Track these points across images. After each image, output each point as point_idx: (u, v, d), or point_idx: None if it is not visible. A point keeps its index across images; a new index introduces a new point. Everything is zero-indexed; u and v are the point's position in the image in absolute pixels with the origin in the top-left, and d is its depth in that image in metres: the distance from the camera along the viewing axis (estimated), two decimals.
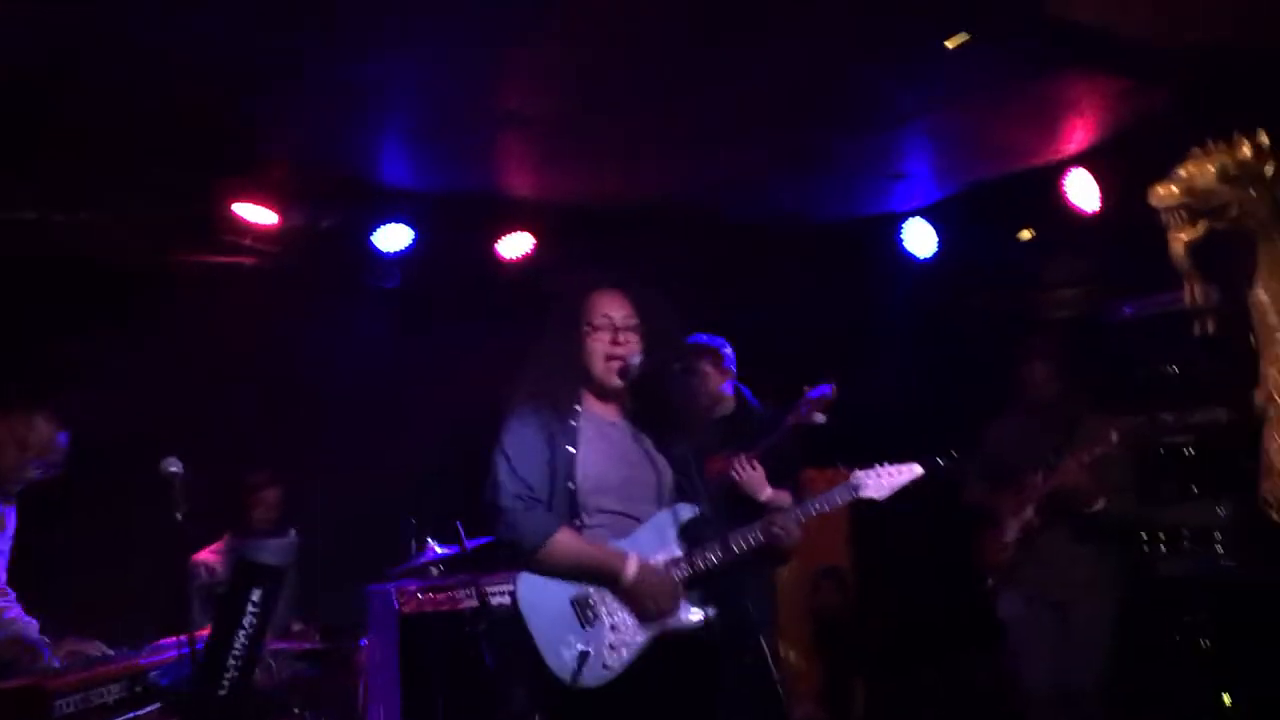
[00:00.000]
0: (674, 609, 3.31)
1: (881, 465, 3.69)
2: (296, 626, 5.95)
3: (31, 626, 3.91)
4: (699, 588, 3.41)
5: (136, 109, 5.17)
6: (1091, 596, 5.02)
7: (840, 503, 3.64)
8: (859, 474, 3.67)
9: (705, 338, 5.31)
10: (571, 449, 3.37)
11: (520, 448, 3.36)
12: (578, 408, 3.45)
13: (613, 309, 3.47)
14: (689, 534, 3.42)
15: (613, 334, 3.44)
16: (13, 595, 4.01)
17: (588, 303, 3.49)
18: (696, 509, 3.42)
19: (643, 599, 3.29)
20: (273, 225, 6.30)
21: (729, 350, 5.38)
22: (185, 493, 3.26)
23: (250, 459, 6.29)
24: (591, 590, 3.31)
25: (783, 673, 7.63)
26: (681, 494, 3.48)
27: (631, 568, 3.29)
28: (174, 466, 3.31)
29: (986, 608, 5.33)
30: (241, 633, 3.58)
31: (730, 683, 3.62)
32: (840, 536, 7.99)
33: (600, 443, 3.43)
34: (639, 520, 3.41)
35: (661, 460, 3.48)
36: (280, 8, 4.32)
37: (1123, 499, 5.02)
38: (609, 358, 3.44)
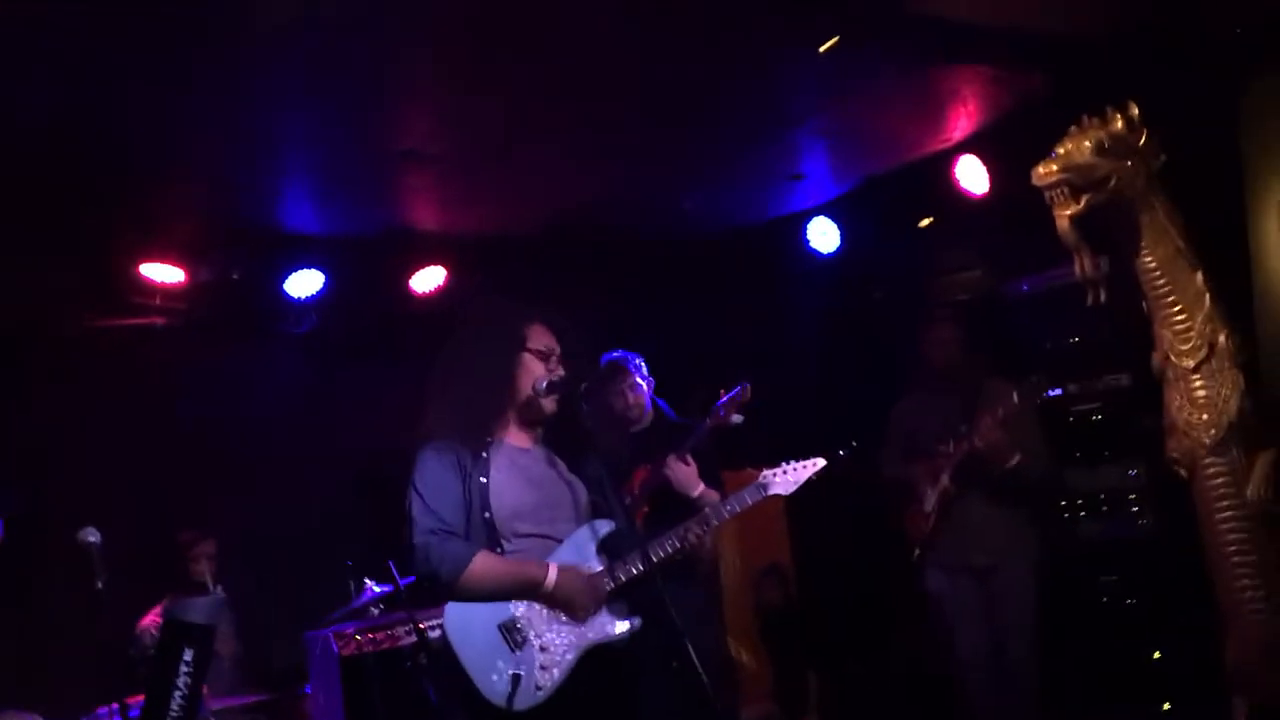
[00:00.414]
0: (600, 604, 3.39)
1: (787, 462, 3.80)
2: None
3: None
4: (623, 600, 3.48)
5: (35, 174, 5.14)
6: (1012, 561, 5.14)
7: (751, 502, 3.77)
8: (766, 473, 3.80)
9: (620, 353, 5.38)
10: (484, 479, 3.42)
11: (432, 482, 3.40)
12: (489, 439, 3.49)
13: (550, 340, 3.57)
14: (608, 548, 3.50)
15: (550, 362, 3.53)
16: None
17: (526, 331, 3.56)
18: (613, 524, 3.50)
19: (568, 600, 3.36)
20: (180, 283, 6.27)
21: (643, 363, 5.46)
22: (105, 561, 3.24)
23: (180, 517, 6.25)
24: (518, 614, 3.36)
25: (735, 674, 7.79)
26: (598, 511, 3.55)
27: (551, 573, 3.35)
28: (92, 536, 3.30)
29: (914, 582, 5.43)
30: (177, 694, 3.58)
31: (660, 692, 3.69)
32: (779, 534, 8.10)
33: (512, 469, 3.48)
34: (559, 541, 3.47)
35: (576, 481, 3.55)
36: (165, 65, 4.32)
37: (1036, 458, 5.13)
38: (547, 384, 3.51)
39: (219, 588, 5.45)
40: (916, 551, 5.36)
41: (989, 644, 5.16)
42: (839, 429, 5.94)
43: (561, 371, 3.53)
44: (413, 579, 4.96)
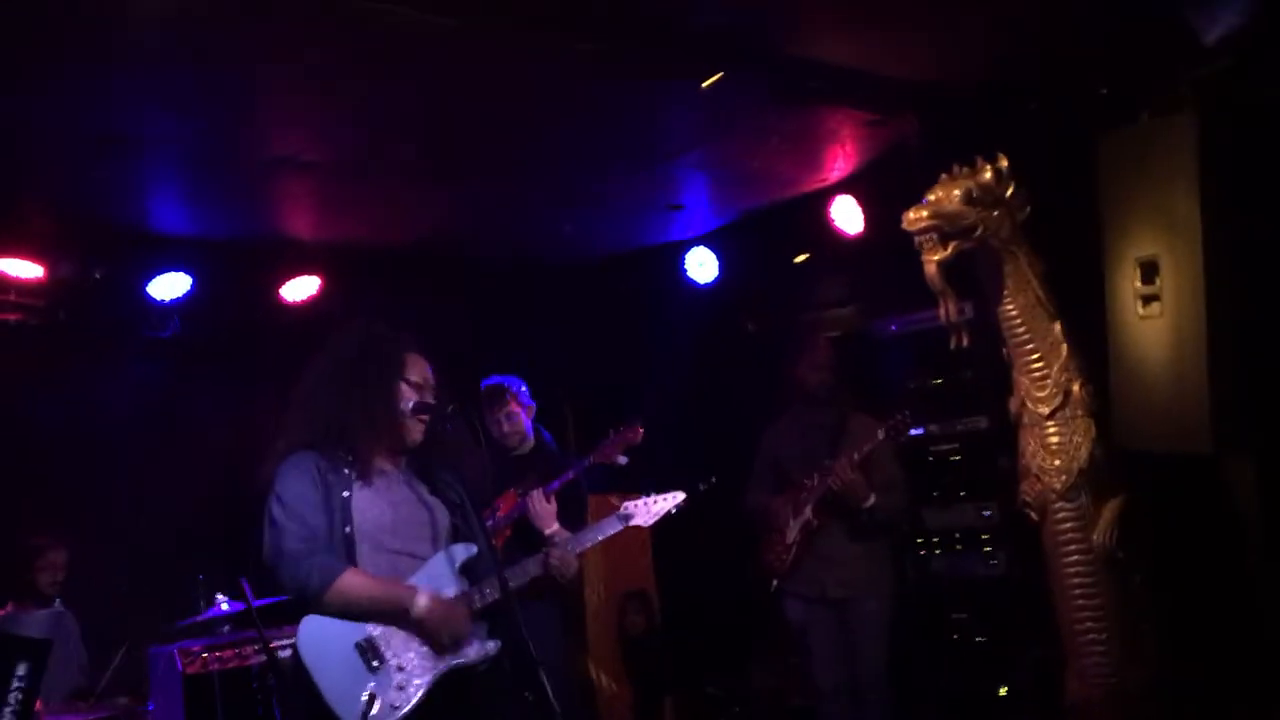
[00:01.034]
0: (466, 635, 3.33)
1: (648, 494, 3.82)
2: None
3: None
4: (482, 623, 3.44)
5: None
6: (867, 594, 5.23)
7: (611, 532, 3.78)
8: (628, 504, 3.81)
9: (500, 378, 5.35)
10: (346, 494, 3.36)
11: (297, 493, 3.33)
12: (352, 457, 3.44)
13: (424, 371, 3.53)
14: (467, 572, 3.47)
15: (423, 394, 3.49)
16: None
17: (406, 360, 3.51)
18: (473, 548, 3.47)
19: (435, 629, 3.30)
20: (39, 279, 6.06)
21: (525, 388, 5.43)
22: None
23: (27, 523, 6.01)
24: (375, 633, 3.30)
25: (594, 697, 7.77)
26: (458, 535, 3.52)
27: (421, 600, 3.29)
28: None
29: (774, 612, 5.50)
30: (7, 710, 3.44)
31: (514, 718, 3.66)
32: (644, 559, 8.12)
33: (373, 488, 3.43)
34: (417, 558, 3.43)
35: (436, 503, 3.51)
36: (29, 61, 4.18)
37: (892, 494, 5.25)
38: (418, 415, 3.46)
39: (58, 601, 5.25)
40: (775, 583, 5.42)
41: (844, 674, 5.24)
42: (707, 458, 6.00)
43: (430, 399, 3.49)
44: (266, 600, 4.86)
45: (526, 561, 3.55)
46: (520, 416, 5.35)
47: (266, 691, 4.46)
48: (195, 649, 4.58)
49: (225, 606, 5.14)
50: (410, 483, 3.51)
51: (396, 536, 3.40)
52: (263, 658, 4.50)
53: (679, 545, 7.11)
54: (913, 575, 5.65)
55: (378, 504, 3.40)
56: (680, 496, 3.91)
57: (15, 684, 3.44)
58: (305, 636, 3.28)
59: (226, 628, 5.16)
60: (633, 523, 3.81)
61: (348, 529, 3.34)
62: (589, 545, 3.72)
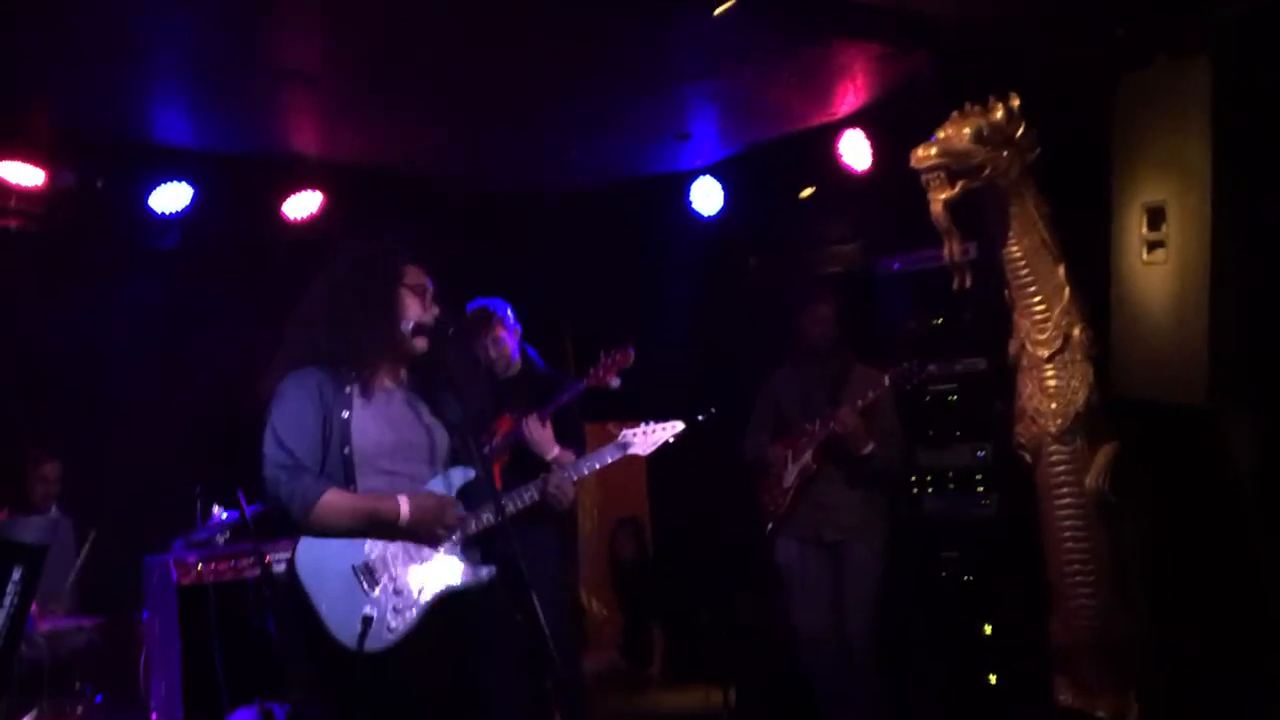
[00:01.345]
0: (456, 522, 3.36)
1: (647, 423, 3.82)
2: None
3: None
4: (477, 548, 3.47)
5: None
6: (861, 539, 5.26)
7: (610, 460, 3.78)
8: (626, 432, 3.81)
9: (485, 301, 5.33)
10: (346, 414, 3.36)
11: (289, 417, 3.32)
12: (354, 374, 3.44)
13: (424, 278, 3.49)
14: (465, 497, 3.48)
15: (424, 299, 3.46)
16: None
17: (405, 270, 3.47)
18: (471, 472, 3.47)
19: (426, 527, 3.33)
20: (39, 186, 6.02)
21: (510, 311, 5.42)
22: None
23: (24, 432, 6.04)
24: (373, 556, 3.32)
25: (584, 621, 7.87)
26: (457, 459, 3.53)
27: (404, 506, 3.31)
28: None
29: (767, 553, 5.53)
30: (1, 613, 3.47)
31: (505, 642, 3.69)
32: (639, 488, 8.19)
33: (374, 408, 3.41)
34: (415, 480, 3.43)
35: (437, 425, 3.50)
36: None
37: (890, 444, 5.28)
38: (419, 322, 3.43)
39: (54, 507, 5.29)
40: (770, 525, 5.46)
41: (831, 618, 5.28)
42: (705, 391, 5.99)
43: (435, 311, 3.47)
44: (260, 508, 4.89)
45: (524, 488, 3.57)
46: (506, 340, 5.34)
47: (261, 604, 4.50)
48: (190, 560, 4.62)
49: (223, 517, 5.18)
50: (412, 403, 3.50)
51: (396, 458, 3.40)
52: (258, 571, 4.53)
53: (673, 474, 7.15)
54: (905, 513, 5.67)
55: (378, 424, 3.39)
56: (678, 426, 3.90)
57: (10, 589, 3.47)
58: (302, 558, 3.29)
59: (222, 538, 5.20)
60: (631, 451, 3.81)
61: (346, 450, 3.33)
62: (587, 473, 3.73)
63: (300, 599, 3.27)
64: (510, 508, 3.47)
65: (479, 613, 3.49)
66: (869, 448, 5.18)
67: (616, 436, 3.83)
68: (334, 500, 3.29)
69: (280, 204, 6.77)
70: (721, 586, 6.80)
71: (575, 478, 3.68)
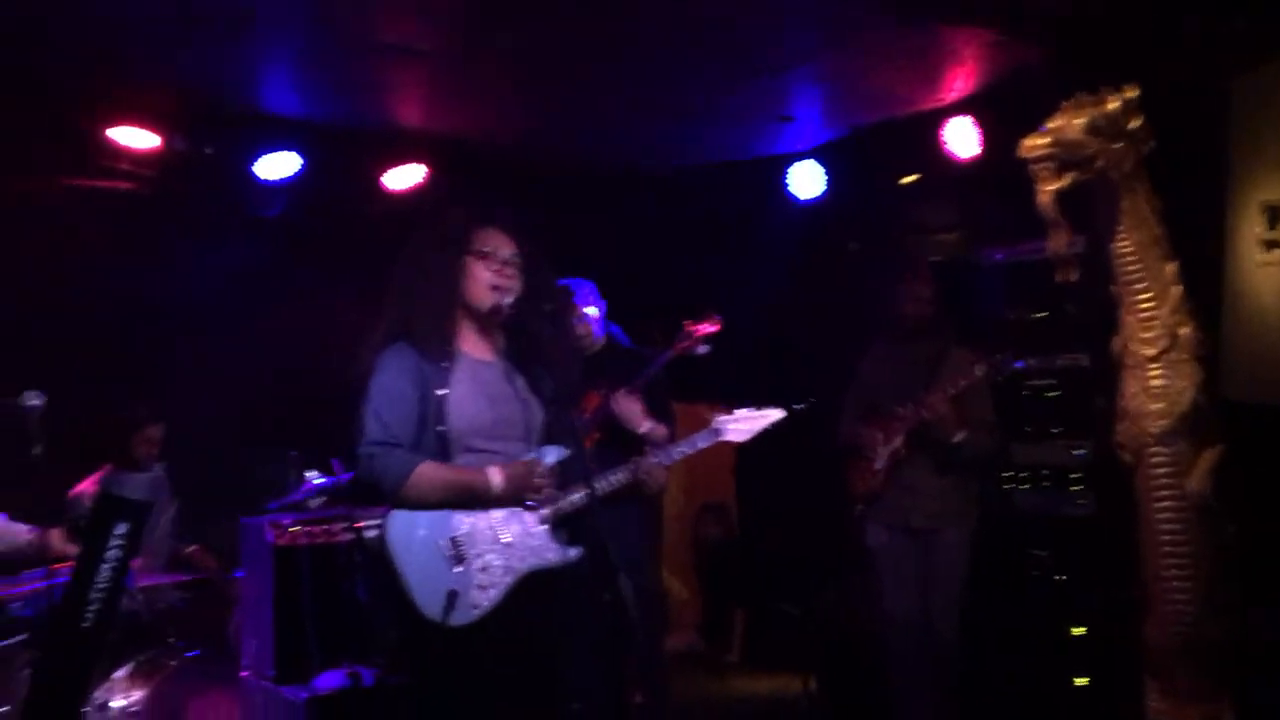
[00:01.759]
0: (547, 484, 3.38)
1: (744, 409, 3.76)
2: (191, 549, 5.94)
3: None
4: (566, 527, 3.47)
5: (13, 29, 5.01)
6: (950, 527, 5.20)
7: (703, 446, 3.73)
8: (722, 418, 3.75)
9: (566, 280, 5.34)
10: (441, 391, 3.37)
11: (387, 392, 3.36)
12: (449, 348, 3.45)
13: (499, 243, 3.47)
14: (560, 474, 3.48)
15: (498, 265, 3.44)
16: None
17: (475, 233, 3.47)
18: (565, 450, 3.48)
19: (521, 492, 3.36)
20: (153, 150, 6.15)
21: (593, 291, 5.43)
22: (44, 427, 3.19)
23: (129, 390, 6.18)
24: (461, 531, 3.35)
25: (665, 604, 7.87)
26: (551, 434, 3.53)
27: (496, 476, 3.34)
28: (34, 400, 3.24)
29: (852, 536, 5.48)
30: (105, 567, 3.56)
31: (589, 622, 3.69)
32: (726, 471, 8.17)
33: (472, 383, 3.43)
34: (509, 458, 3.44)
35: (534, 400, 3.51)
36: None
37: (982, 433, 5.19)
38: (491, 287, 3.43)
39: (158, 466, 5.41)
40: (859, 507, 5.41)
41: (918, 605, 5.24)
42: (797, 375, 5.96)
43: (511, 276, 3.45)
44: (354, 475, 4.96)
45: (616, 470, 3.56)
46: (588, 319, 5.36)
47: (352, 569, 4.57)
48: (285, 522, 4.70)
49: (317, 483, 5.26)
50: (509, 376, 3.50)
51: (491, 436, 3.42)
52: (350, 536, 4.60)
53: (761, 459, 7.11)
54: (995, 508, 5.58)
55: (475, 401, 3.41)
56: (777, 414, 3.82)
57: (114, 542, 3.55)
58: (392, 529, 3.34)
59: (315, 504, 5.29)
60: (725, 438, 3.75)
61: (440, 427, 3.36)
62: (679, 457, 3.70)
63: (389, 569, 3.31)
64: (601, 489, 3.46)
65: (563, 592, 3.51)
66: (959, 436, 5.10)
67: (710, 420, 3.78)
68: (426, 473, 3.32)
69: (382, 175, 6.84)
70: (806, 574, 6.76)
71: (669, 462, 3.65)
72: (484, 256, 3.43)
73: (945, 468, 5.20)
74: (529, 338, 3.50)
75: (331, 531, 4.76)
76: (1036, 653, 5.47)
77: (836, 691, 5.92)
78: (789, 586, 6.94)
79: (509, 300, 3.43)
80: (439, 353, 3.41)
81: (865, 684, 5.67)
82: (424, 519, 3.33)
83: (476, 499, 3.35)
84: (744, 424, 3.77)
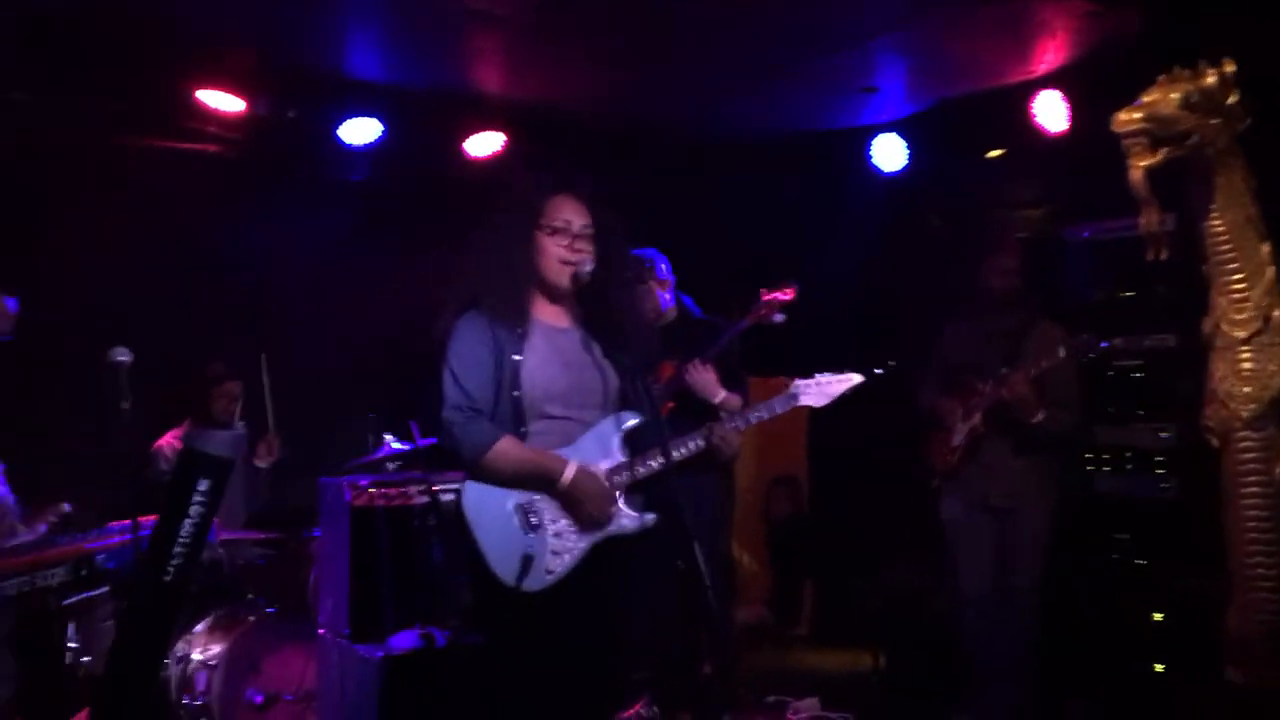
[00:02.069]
0: (607, 516, 3.38)
1: (821, 374, 3.70)
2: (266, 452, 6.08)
3: (8, 499, 3.94)
4: (640, 494, 3.47)
5: None
6: (1029, 506, 5.13)
7: (780, 411, 3.66)
8: (799, 382, 3.68)
9: (639, 250, 5.34)
10: (518, 357, 3.38)
11: (465, 359, 3.38)
12: (524, 315, 3.45)
13: (572, 214, 3.44)
14: (632, 441, 3.48)
15: (570, 239, 3.43)
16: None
17: (547, 204, 3.45)
18: (640, 417, 3.48)
19: (579, 503, 3.35)
20: (239, 113, 6.23)
21: (663, 263, 5.43)
22: (132, 382, 3.26)
23: (208, 349, 6.29)
24: (536, 497, 3.36)
25: (734, 576, 7.86)
26: (626, 401, 3.53)
27: (569, 472, 3.34)
28: (122, 355, 3.30)
29: (931, 511, 5.43)
30: (188, 521, 3.62)
31: (663, 589, 3.70)
32: (798, 444, 8.13)
33: (548, 349, 3.44)
34: (585, 424, 3.46)
35: (609, 367, 3.51)
36: None
37: (1063, 413, 5.09)
38: (563, 262, 3.43)
39: (241, 424, 5.50)
40: (936, 481, 5.36)
41: (993, 582, 5.18)
42: (875, 350, 5.86)
43: (583, 249, 3.44)
44: (432, 440, 5.00)
45: (690, 436, 3.54)
46: (658, 291, 5.37)
47: (427, 531, 4.61)
48: (363, 484, 4.75)
49: (395, 446, 5.32)
50: (586, 343, 3.51)
51: (567, 402, 3.43)
52: (426, 499, 4.65)
53: (835, 432, 7.07)
54: (1076, 491, 5.49)
55: (550, 368, 3.42)
56: (856, 379, 3.72)
57: (197, 498, 3.62)
58: (469, 493, 3.37)
59: (392, 466, 5.35)
60: (802, 402, 3.66)
61: (516, 393, 3.37)
62: (754, 421, 3.64)
63: (465, 532, 3.34)
64: (676, 455, 3.45)
65: (637, 559, 3.52)
66: (1039, 416, 5.01)
67: (788, 386, 3.73)
68: (505, 449, 3.33)
69: (463, 141, 6.86)
70: (877, 549, 6.72)
71: (744, 426, 3.61)
72: (555, 232, 3.42)
73: (1025, 447, 5.13)
74: (605, 305, 3.49)
75: (408, 494, 4.80)
76: (1115, 637, 5.38)
77: (908, 668, 5.87)
78: (860, 560, 6.91)
79: (585, 270, 3.43)
80: (514, 319, 3.41)
81: (937, 661, 5.61)
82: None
83: (544, 484, 3.37)
84: (821, 388, 3.68)
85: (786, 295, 4.98)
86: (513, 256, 3.43)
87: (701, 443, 3.52)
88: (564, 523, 3.37)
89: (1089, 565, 5.49)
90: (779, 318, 4.96)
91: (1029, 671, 5.13)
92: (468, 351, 3.38)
